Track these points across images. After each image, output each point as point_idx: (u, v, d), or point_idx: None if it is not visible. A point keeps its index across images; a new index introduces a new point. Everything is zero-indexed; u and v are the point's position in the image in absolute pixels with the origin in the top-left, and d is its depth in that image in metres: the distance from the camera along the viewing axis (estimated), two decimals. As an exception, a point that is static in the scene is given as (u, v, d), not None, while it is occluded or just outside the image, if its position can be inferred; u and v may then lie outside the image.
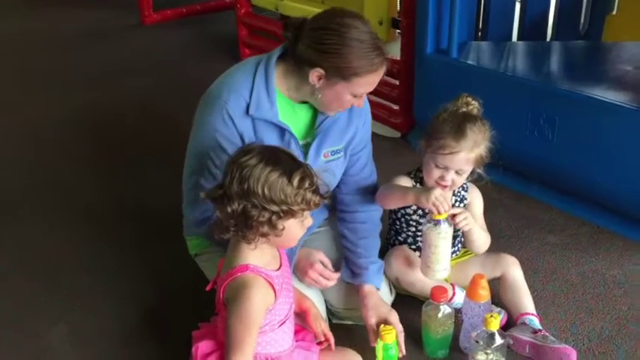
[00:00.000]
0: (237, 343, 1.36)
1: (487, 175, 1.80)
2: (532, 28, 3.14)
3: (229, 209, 1.34)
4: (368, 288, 1.77)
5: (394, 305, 1.85)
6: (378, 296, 1.77)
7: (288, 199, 1.35)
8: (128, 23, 4.89)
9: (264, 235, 1.38)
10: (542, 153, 2.35)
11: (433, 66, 2.70)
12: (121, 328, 1.90)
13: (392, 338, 1.63)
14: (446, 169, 1.73)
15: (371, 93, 1.71)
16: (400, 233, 1.92)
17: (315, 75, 1.58)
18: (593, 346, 1.79)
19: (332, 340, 1.61)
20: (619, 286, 2.02)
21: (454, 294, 1.84)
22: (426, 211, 1.74)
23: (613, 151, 2.16)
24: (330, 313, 1.84)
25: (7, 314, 1.97)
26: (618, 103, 2.15)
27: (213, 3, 5.01)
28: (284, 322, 1.47)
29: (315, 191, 1.39)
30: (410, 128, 2.97)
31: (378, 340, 1.64)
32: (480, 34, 3.04)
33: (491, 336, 1.61)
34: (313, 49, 1.55)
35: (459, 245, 1.97)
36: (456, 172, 1.74)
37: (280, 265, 1.48)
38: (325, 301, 1.82)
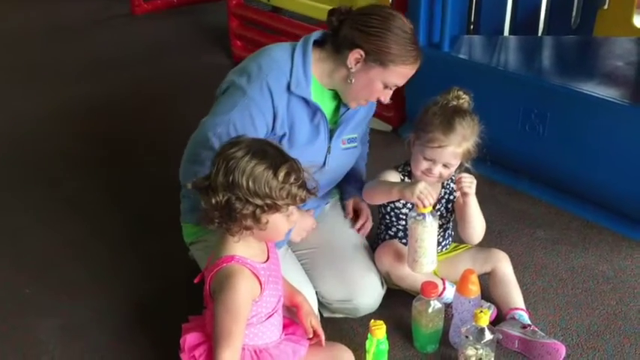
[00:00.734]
0: (225, 334, 1.36)
1: (475, 168, 1.80)
2: (524, 23, 3.14)
3: (214, 200, 1.35)
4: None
5: (385, 299, 1.86)
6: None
7: (272, 194, 1.34)
8: (118, 13, 4.85)
9: (247, 228, 1.38)
10: (533, 148, 2.36)
11: (425, 60, 2.66)
12: (112, 321, 1.90)
13: (382, 333, 1.63)
14: (433, 161, 1.74)
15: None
16: (390, 227, 1.92)
17: (354, 56, 1.66)
18: (582, 341, 1.80)
19: (322, 337, 1.61)
20: (608, 281, 2.03)
21: (444, 289, 1.84)
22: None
23: (604, 146, 2.17)
24: (321, 306, 1.84)
25: (-4, 308, 1.96)
26: (609, 99, 2.16)
27: (205, -7, 4.98)
28: (271, 314, 1.47)
29: (301, 186, 1.38)
30: (401, 122, 2.97)
31: (369, 335, 1.65)
32: (472, 27, 3.04)
33: (481, 331, 1.61)
34: (358, 30, 1.65)
35: (449, 239, 1.97)
36: (444, 165, 1.75)
37: (268, 258, 1.48)
38: (317, 293, 1.82)
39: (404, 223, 1.89)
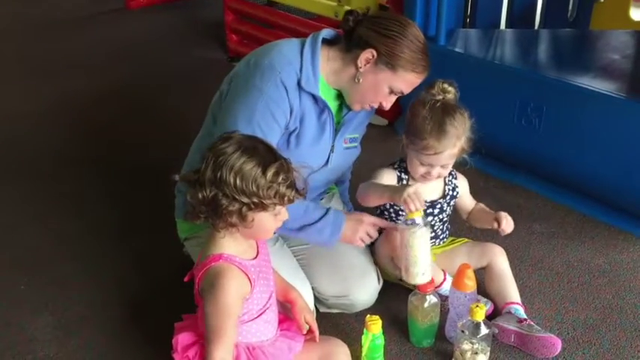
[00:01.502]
0: (216, 333, 1.35)
1: (471, 163, 1.80)
2: (520, 16, 3.14)
3: (200, 195, 1.33)
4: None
5: (381, 294, 1.86)
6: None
7: (259, 192, 1.33)
8: (112, 7, 4.82)
9: (232, 225, 1.36)
10: (529, 141, 2.35)
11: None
12: (106, 318, 1.89)
13: (378, 328, 1.63)
14: (431, 166, 1.75)
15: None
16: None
17: (365, 56, 1.67)
18: (578, 334, 1.80)
19: (317, 332, 1.60)
20: (604, 274, 2.03)
21: (444, 279, 1.84)
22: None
23: (600, 140, 2.17)
24: (317, 301, 1.84)
25: (-10, 304, 1.96)
26: (605, 92, 2.16)
27: (200, -13, 4.96)
28: (263, 311, 1.46)
29: (290, 186, 1.36)
30: (397, 116, 2.95)
31: (365, 330, 1.64)
32: (468, 21, 3.02)
33: (477, 326, 1.61)
34: (374, 31, 1.66)
35: (447, 232, 1.97)
36: (442, 166, 1.76)
37: (257, 254, 1.47)
38: (313, 289, 1.82)
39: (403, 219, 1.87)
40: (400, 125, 2.89)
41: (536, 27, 3.20)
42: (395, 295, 1.87)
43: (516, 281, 1.87)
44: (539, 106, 2.29)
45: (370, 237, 1.79)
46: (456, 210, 1.96)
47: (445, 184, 1.88)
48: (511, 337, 1.74)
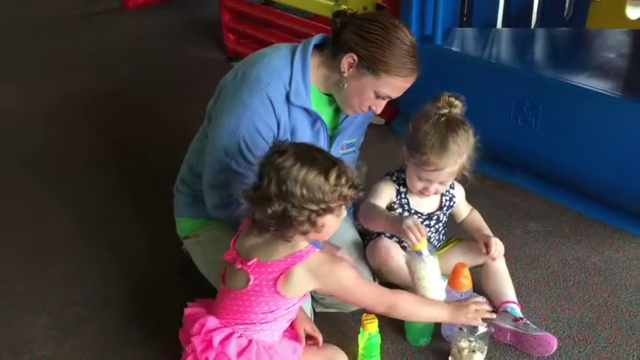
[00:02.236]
0: (358, 293, 1.48)
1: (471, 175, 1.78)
2: (517, 14, 3.14)
3: (270, 210, 1.36)
4: None
5: (377, 293, 1.86)
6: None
7: (326, 197, 1.36)
8: (109, 7, 4.81)
9: (304, 233, 1.40)
10: (525, 141, 2.36)
11: (417, 53, 2.68)
12: (103, 318, 1.89)
13: (374, 327, 1.63)
14: (429, 181, 1.74)
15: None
16: None
17: (347, 60, 1.63)
18: (574, 333, 1.80)
19: (320, 339, 1.62)
20: (599, 273, 2.04)
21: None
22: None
23: (596, 139, 2.17)
24: (314, 301, 1.84)
25: (-12, 305, 1.96)
26: (601, 91, 2.16)
27: (197, -14, 4.95)
28: (290, 310, 1.49)
29: (352, 186, 1.40)
30: (394, 115, 2.96)
31: (361, 329, 1.65)
32: (464, 20, 3.03)
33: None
34: (356, 34, 1.62)
35: (443, 239, 1.97)
36: (441, 182, 1.75)
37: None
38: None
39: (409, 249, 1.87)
40: (397, 124, 2.89)
41: (532, 26, 3.20)
42: (391, 294, 1.88)
43: (512, 280, 1.87)
44: (535, 105, 2.29)
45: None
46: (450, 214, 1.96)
47: (443, 194, 1.87)
48: (507, 336, 1.75)
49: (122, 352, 1.77)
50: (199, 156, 1.81)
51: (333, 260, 1.46)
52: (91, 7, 4.84)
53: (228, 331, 1.46)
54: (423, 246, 1.63)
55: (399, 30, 1.62)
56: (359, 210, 1.84)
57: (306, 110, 1.70)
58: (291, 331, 1.59)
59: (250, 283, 1.42)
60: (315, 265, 1.41)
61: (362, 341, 1.65)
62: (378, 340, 1.66)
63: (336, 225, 1.45)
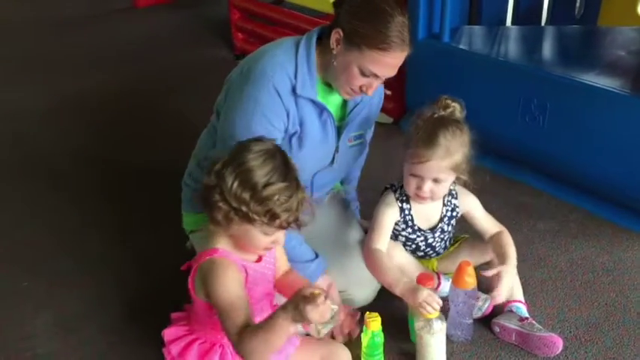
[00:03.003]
0: (226, 312, 1.29)
1: (474, 183, 1.74)
2: (527, 12, 3.11)
3: (205, 180, 1.34)
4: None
5: (381, 291, 1.84)
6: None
7: (250, 204, 1.29)
8: (119, 7, 4.84)
9: (217, 223, 1.34)
10: (533, 139, 2.34)
11: (425, 51, 2.66)
12: (105, 315, 1.89)
13: (377, 326, 1.62)
14: (421, 178, 1.68)
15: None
16: None
17: (335, 37, 1.62)
18: (581, 333, 1.78)
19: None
20: (607, 273, 2.01)
21: (439, 284, 1.82)
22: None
23: (604, 137, 2.14)
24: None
25: (-9, 300, 1.96)
26: (610, 89, 2.13)
27: (207, -15, 4.96)
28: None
29: (287, 210, 1.31)
30: (402, 114, 2.94)
31: (364, 327, 1.64)
32: (473, 18, 3.00)
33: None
34: (346, 10, 1.61)
35: (448, 245, 1.93)
36: (435, 181, 1.68)
37: (259, 260, 1.46)
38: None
39: (403, 239, 1.84)
40: (405, 123, 2.88)
41: (542, 23, 3.17)
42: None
43: (519, 279, 1.84)
44: (543, 103, 2.27)
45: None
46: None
47: (444, 204, 1.82)
48: (512, 336, 1.73)
49: (124, 349, 1.77)
50: (208, 151, 1.81)
51: (227, 273, 1.32)
52: (101, 7, 4.87)
53: (189, 339, 1.43)
54: (435, 315, 1.60)
55: (388, 6, 1.57)
56: (364, 247, 1.78)
57: (313, 101, 1.70)
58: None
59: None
60: (205, 269, 1.33)
61: (365, 339, 1.64)
62: (381, 338, 1.64)
63: (259, 242, 1.36)
